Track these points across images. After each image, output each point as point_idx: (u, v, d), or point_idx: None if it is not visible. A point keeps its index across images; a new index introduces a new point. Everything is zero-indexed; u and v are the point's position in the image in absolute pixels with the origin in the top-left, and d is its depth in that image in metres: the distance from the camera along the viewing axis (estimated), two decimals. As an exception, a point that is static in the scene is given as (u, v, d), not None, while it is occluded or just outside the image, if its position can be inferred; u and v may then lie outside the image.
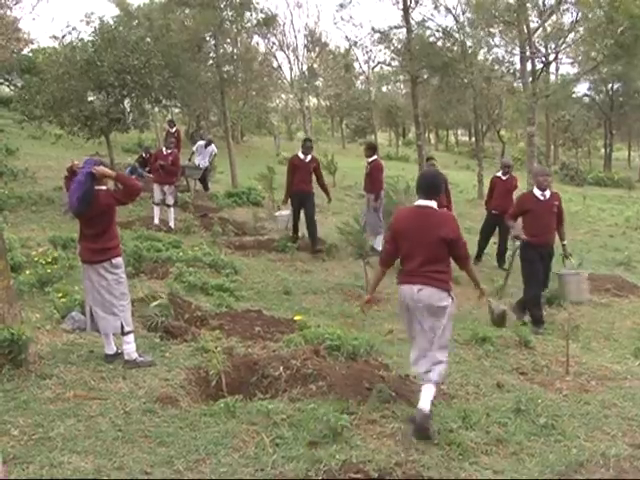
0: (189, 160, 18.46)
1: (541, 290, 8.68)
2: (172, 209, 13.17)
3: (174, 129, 19.55)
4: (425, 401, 4.84)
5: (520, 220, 8.77)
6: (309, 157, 11.91)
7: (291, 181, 11.86)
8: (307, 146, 12.05)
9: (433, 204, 5.07)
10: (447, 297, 5.00)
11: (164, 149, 13.68)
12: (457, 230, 5.10)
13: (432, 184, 5.16)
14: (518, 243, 8.92)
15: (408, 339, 5.38)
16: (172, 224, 12.99)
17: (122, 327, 5.89)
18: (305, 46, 41.85)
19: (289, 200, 12.10)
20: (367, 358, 6.57)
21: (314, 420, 4.71)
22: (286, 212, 12.61)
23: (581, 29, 13.86)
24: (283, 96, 43.74)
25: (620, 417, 5.49)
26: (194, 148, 18.59)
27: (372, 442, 4.61)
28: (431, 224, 5.03)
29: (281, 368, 5.80)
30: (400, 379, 6.09)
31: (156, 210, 13.14)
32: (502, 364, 6.90)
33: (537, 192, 8.48)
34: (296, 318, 7.77)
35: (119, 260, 5.96)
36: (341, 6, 14.39)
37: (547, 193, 8.47)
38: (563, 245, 8.80)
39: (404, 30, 11.44)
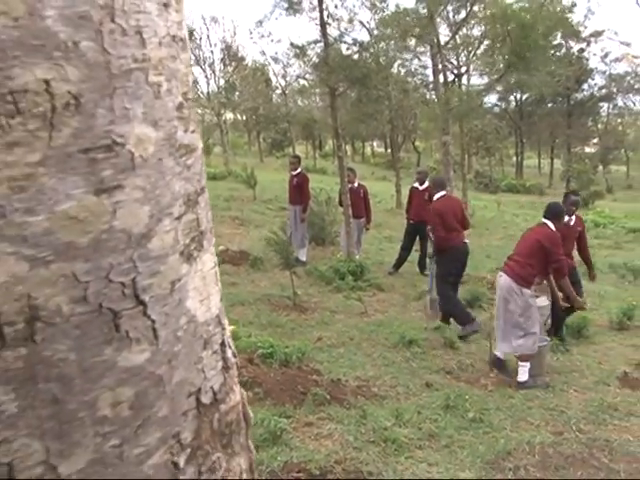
0: None
1: None
2: None
3: None
4: None
5: None
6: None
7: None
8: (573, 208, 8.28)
9: None
10: None
11: None
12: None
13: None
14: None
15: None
16: None
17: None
18: (222, 60, 42.04)
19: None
20: (299, 364, 6.70)
21: (254, 425, 4.78)
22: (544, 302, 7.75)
23: (486, 42, 14.48)
24: (199, 110, 43.55)
25: (542, 408, 5.81)
26: None
27: (311, 443, 4.73)
28: None
29: (216, 377, 5.86)
30: (332, 383, 6.24)
31: None
32: (429, 365, 7.14)
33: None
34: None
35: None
36: (259, 22, 14.51)
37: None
38: None
39: (322, 44, 11.66)
